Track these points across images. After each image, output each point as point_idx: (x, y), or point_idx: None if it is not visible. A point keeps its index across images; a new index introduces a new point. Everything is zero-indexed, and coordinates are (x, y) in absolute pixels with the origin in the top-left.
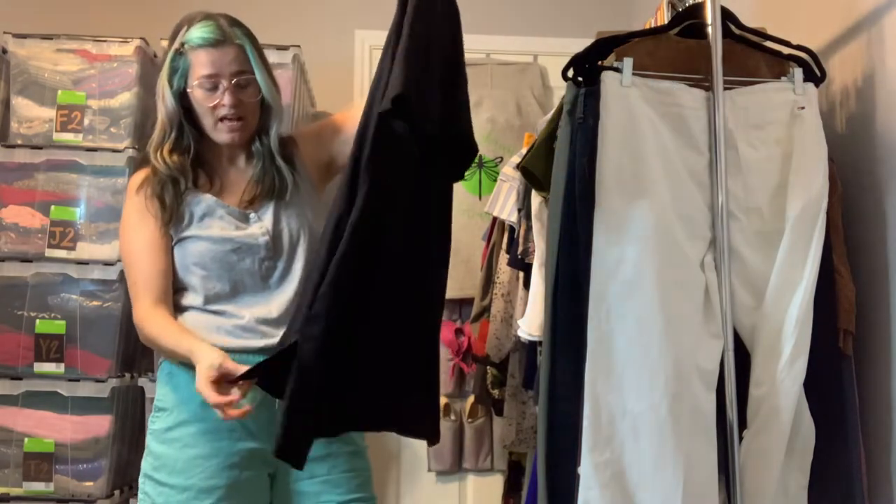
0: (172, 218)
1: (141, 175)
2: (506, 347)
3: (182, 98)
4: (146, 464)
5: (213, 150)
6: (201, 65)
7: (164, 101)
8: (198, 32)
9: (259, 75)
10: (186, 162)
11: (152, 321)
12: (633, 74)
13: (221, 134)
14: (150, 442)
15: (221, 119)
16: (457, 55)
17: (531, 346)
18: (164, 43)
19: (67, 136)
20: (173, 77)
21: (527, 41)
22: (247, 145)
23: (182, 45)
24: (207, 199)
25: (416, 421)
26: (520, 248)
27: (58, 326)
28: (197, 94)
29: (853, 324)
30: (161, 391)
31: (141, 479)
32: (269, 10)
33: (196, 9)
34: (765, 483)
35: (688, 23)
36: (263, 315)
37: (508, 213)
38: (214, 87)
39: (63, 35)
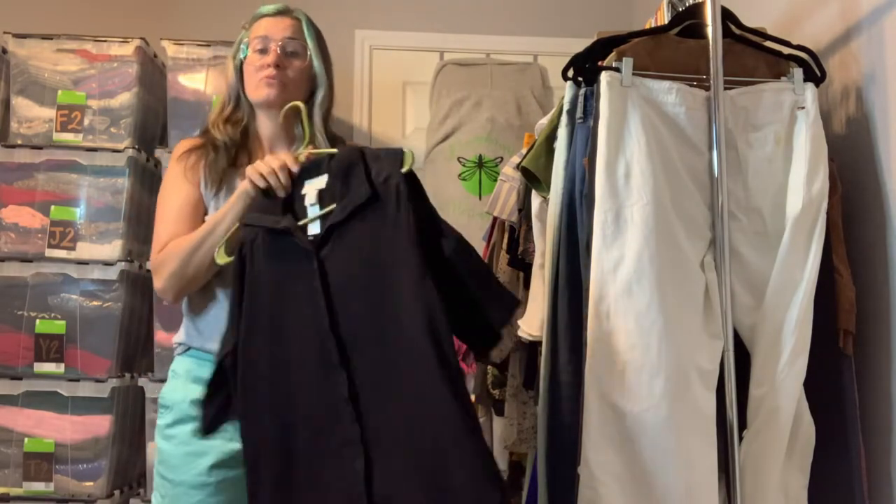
0: (209, 184)
1: (187, 143)
2: (506, 347)
3: (242, 71)
4: (156, 460)
5: (258, 135)
6: (256, 30)
7: (228, 75)
8: (262, 8)
9: (311, 44)
10: (236, 134)
11: (171, 245)
12: (633, 74)
13: (261, 90)
14: (156, 437)
15: (263, 78)
16: None
17: (531, 346)
18: (164, 43)
19: (67, 136)
20: (237, 51)
21: (527, 41)
22: (289, 131)
23: (248, 22)
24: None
25: None
26: (520, 248)
27: (58, 326)
28: (250, 57)
29: (853, 324)
30: (165, 388)
31: (154, 471)
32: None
33: (198, 9)
34: (765, 483)
35: (688, 23)
36: None
37: (509, 213)
38: (265, 50)
39: (63, 35)
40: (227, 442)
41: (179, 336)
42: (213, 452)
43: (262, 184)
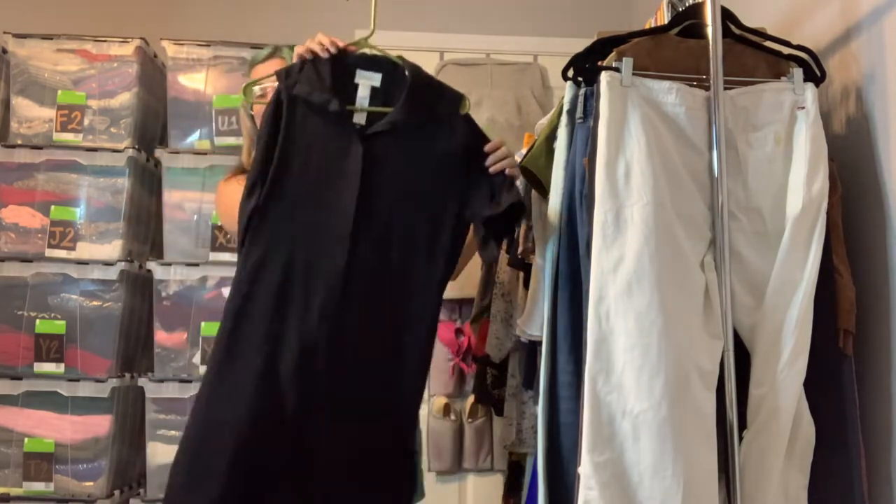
0: None
1: (228, 175)
2: (506, 347)
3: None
4: None
5: None
6: (254, 77)
7: (244, 122)
8: (254, 56)
9: None
10: None
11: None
12: (633, 74)
13: None
14: None
15: None
16: None
17: (531, 346)
18: (164, 43)
19: (67, 136)
20: (246, 98)
21: (527, 41)
22: None
23: (246, 71)
24: None
25: None
26: (520, 248)
27: (58, 326)
28: (255, 105)
29: (853, 324)
30: None
31: None
32: (269, 10)
33: (197, 10)
34: (765, 483)
35: (688, 23)
36: None
37: None
38: (263, 96)
39: (63, 35)
40: None
41: None
42: None
43: (308, 55)
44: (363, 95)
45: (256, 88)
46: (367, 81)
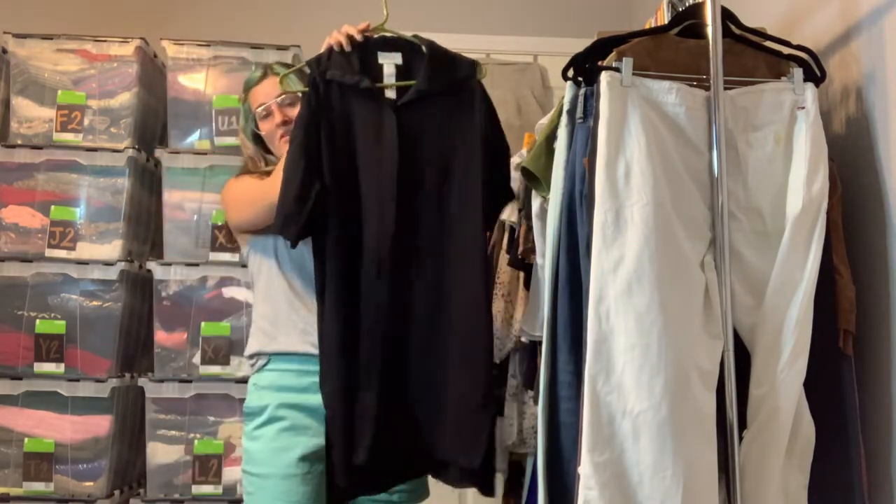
0: None
1: (242, 173)
2: (506, 347)
3: (257, 138)
4: (243, 462)
5: None
6: (254, 100)
7: (245, 145)
8: (247, 79)
9: (299, 87)
10: None
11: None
12: (633, 74)
13: (284, 147)
14: (243, 441)
15: (281, 137)
16: None
17: (531, 346)
18: (164, 43)
19: (67, 136)
20: (246, 122)
21: (527, 41)
22: None
23: (243, 94)
24: None
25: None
26: (520, 248)
27: (58, 326)
28: (260, 125)
29: (853, 324)
30: (249, 399)
31: (242, 477)
32: (269, 10)
33: (197, 10)
34: (765, 483)
35: (688, 23)
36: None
37: (508, 213)
38: (268, 113)
39: (63, 35)
40: (312, 438)
41: (252, 347)
42: (300, 447)
43: (336, 46)
44: (389, 73)
45: (260, 109)
46: (390, 61)
